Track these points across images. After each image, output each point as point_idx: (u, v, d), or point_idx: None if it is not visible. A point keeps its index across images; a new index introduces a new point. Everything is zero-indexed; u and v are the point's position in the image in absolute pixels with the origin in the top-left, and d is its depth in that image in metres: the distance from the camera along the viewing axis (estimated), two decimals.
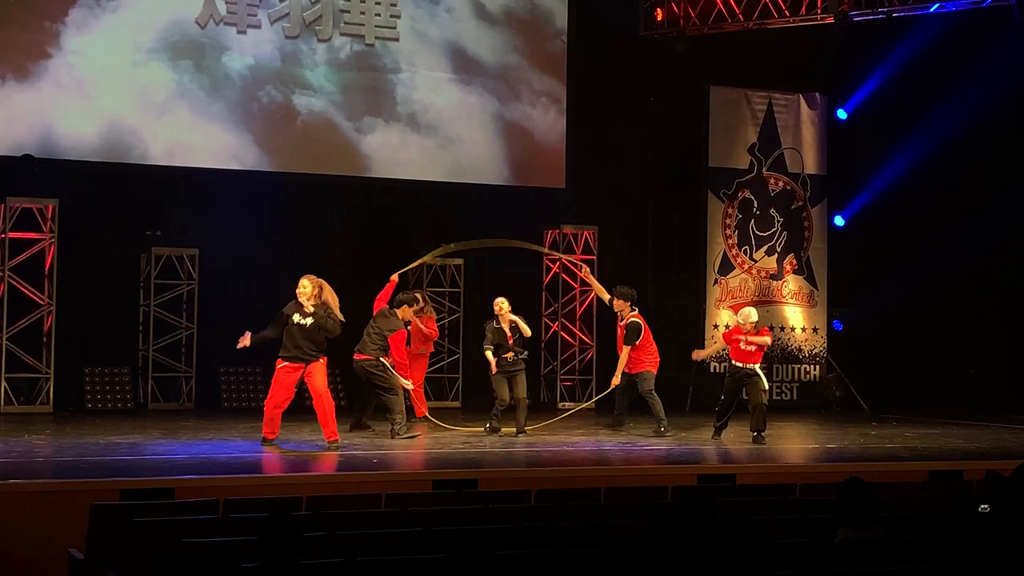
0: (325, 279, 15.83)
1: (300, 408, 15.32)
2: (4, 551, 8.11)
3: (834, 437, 13.70)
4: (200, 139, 15.36)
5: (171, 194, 15.38)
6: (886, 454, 12.00)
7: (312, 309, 11.29)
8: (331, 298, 11.47)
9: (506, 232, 16.69)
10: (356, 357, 12.47)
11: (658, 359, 13.37)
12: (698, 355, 13.97)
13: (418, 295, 13.66)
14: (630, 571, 6.01)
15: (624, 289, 13.45)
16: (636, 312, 13.31)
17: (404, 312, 12.84)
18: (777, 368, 17.66)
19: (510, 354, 12.79)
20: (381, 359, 12.33)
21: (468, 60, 16.62)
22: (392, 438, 12.00)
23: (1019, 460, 8.58)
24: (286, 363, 11.34)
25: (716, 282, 17.50)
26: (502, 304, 12.89)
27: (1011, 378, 16.63)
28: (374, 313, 12.81)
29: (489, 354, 12.74)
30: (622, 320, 13.31)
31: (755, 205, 17.72)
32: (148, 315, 15.25)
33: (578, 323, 16.84)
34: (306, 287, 11.37)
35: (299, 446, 11.55)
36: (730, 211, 17.62)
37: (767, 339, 13.02)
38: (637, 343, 13.07)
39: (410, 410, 12.98)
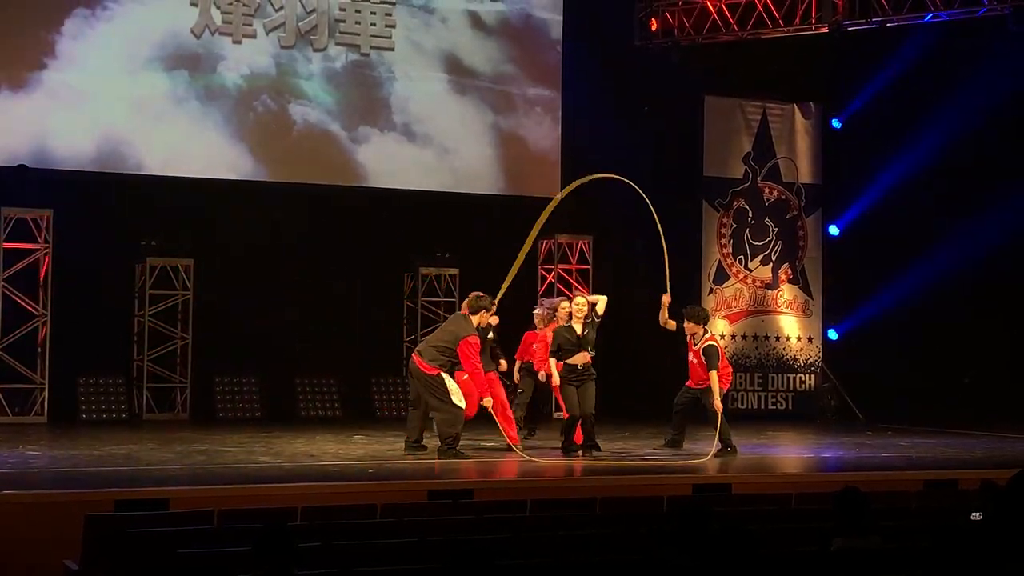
0: (318, 288, 15.96)
1: (294, 419, 15.36)
2: None
3: (829, 446, 13.71)
4: (195, 149, 15.35)
5: (166, 204, 15.37)
6: (881, 463, 11.99)
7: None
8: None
9: (500, 240, 16.71)
10: (415, 360, 11.40)
11: (730, 377, 12.62)
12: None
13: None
14: None
15: (694, 310, 12.49)
16: (711, 334, 12.44)
17: (481, 318, 11.52)
18: (772, 377, 17.69)
19: (580, 358, 11.74)
20: (442, 374, 11.26)
21: (463, 70, 16.63)
22: (437, 456, 11.24)
23: (1014, 469, 8.58)
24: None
25: (711, 291, 17.53)
26: (575, 305, 11.93)
27: (1006, 387, 16.64)
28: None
29: (552, 362, 11.86)
30: (696, 344, 12.26)
31: (750, 214, 17.76)
32: (143, 325, 15.23)
33: None
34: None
35: (294, 457, 11.53)
36: (725, 220, 17.65)
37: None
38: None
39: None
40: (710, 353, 12.13)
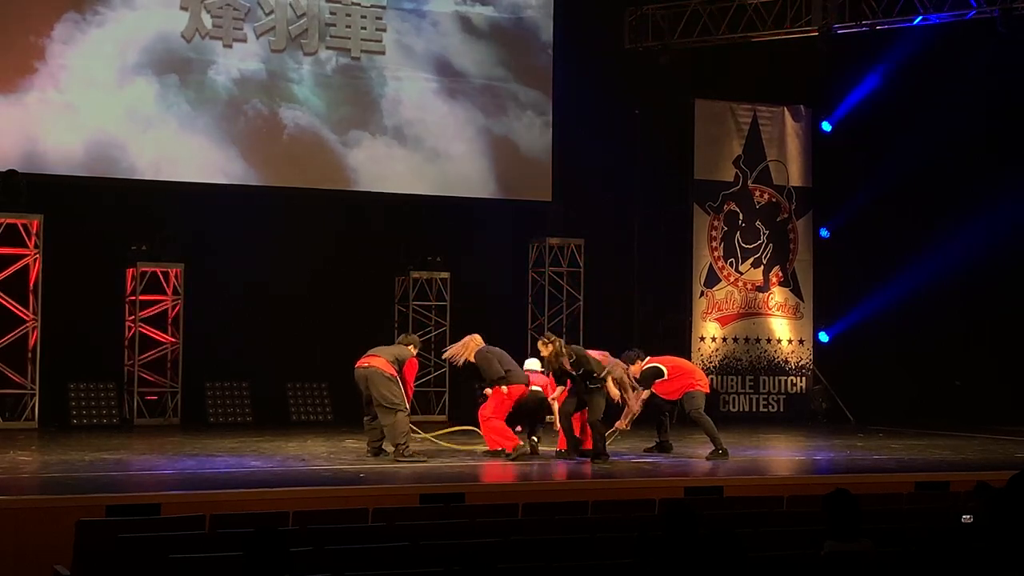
0: (311, 293, 15.94)
1: (286, 423, 15.35)
2: None
3: (821, 449, 13.72)
4: (186, 153, 15.35)
5: (157, 209, 15.35)
6: (872, 465, 12.01)
7: None
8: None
9: (491, 244, 16.72)
10: (371, 361, 11.52)
11: (693, 382, 12.48)
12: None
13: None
14: None
15: (629, 354, 12.50)
16: (646, 361, 12.45)
17: (410, 349, 11.96)
18: (764, 380, 17.71)
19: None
20: (397, 376, 11.52)
21: (454, 73, 16.64)
22: (395, 459, 11.31)
23: (1005, 471, 8.59)
24: None
25: (702, 294, 17.54)
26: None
27: (997, 389, 16.67)
28: None
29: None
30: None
31: (740, 217, 17.78)
32: (133, 331, 15.20)
33: (564, 335, 16.81)
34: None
35: (286, 461, 11.52)
36: (716, 223, 17.67)
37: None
38: (657, 381, 12.33)
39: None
40: (643, 376, 12.33)
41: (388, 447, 11.64)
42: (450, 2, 16.65)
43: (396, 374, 11.53)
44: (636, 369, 12.44)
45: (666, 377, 12.44)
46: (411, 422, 11.88)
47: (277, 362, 15.78)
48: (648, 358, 12.56)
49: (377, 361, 11.55)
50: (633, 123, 17.53)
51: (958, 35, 16.16)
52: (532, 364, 12.67)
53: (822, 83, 17.88)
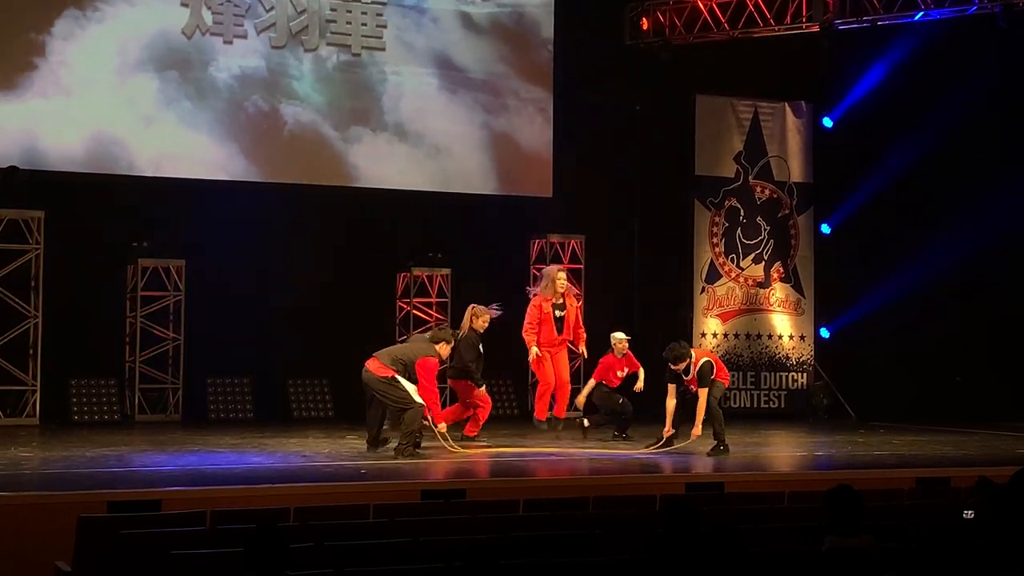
0: (310, 289, 15.94)
1: (287, 419, 15.37)
2: None
3: (822, 445, 13.73)
4: (186, 150, 15.34)
5: (158, 205, 15.33)
6: (873, 461, 12.02)
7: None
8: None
9: (492, 241, 16.72)
10: (369, 365, 11.54)
11: (725, 374, 12.37)
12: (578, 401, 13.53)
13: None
14: None
15: (676, 350, 12.03)
16: (694, 358, 12.03)
17: (443, 349, 11.83)
18: (764, 376, 17.71)
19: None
20: (396, 376, 11.45)
21: (455, 69, 16.63)
22: (395, 457, 11.32)
23: (1007, 467, 8.59)
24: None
25: (703, 290, 17.54)
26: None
27: (998, 385, 16.67)
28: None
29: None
30: (688, 374, 12.01)
31: (741, 213, 17.77)
32: (135, 326, 15.21)
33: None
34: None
35: (287, 458, 11.53)
36: (717, 219, 17.67)
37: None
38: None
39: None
40: (704, 373, 12.03)
41: (391, 437, 11.67)
42: None
43: (394, 374, 11.46)
44: (679, 368, 11.97)
45: (716, 369, 12.18)
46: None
47: (278, 358, 15.78)
48: (693, 352, 12.19)
49: (371, 364, 11.57)
50: (634, 119, 17.52)
51: (959, 31, 16.14)
52: (619, 335, 13.50)
53: (823, 79, 17.87)
